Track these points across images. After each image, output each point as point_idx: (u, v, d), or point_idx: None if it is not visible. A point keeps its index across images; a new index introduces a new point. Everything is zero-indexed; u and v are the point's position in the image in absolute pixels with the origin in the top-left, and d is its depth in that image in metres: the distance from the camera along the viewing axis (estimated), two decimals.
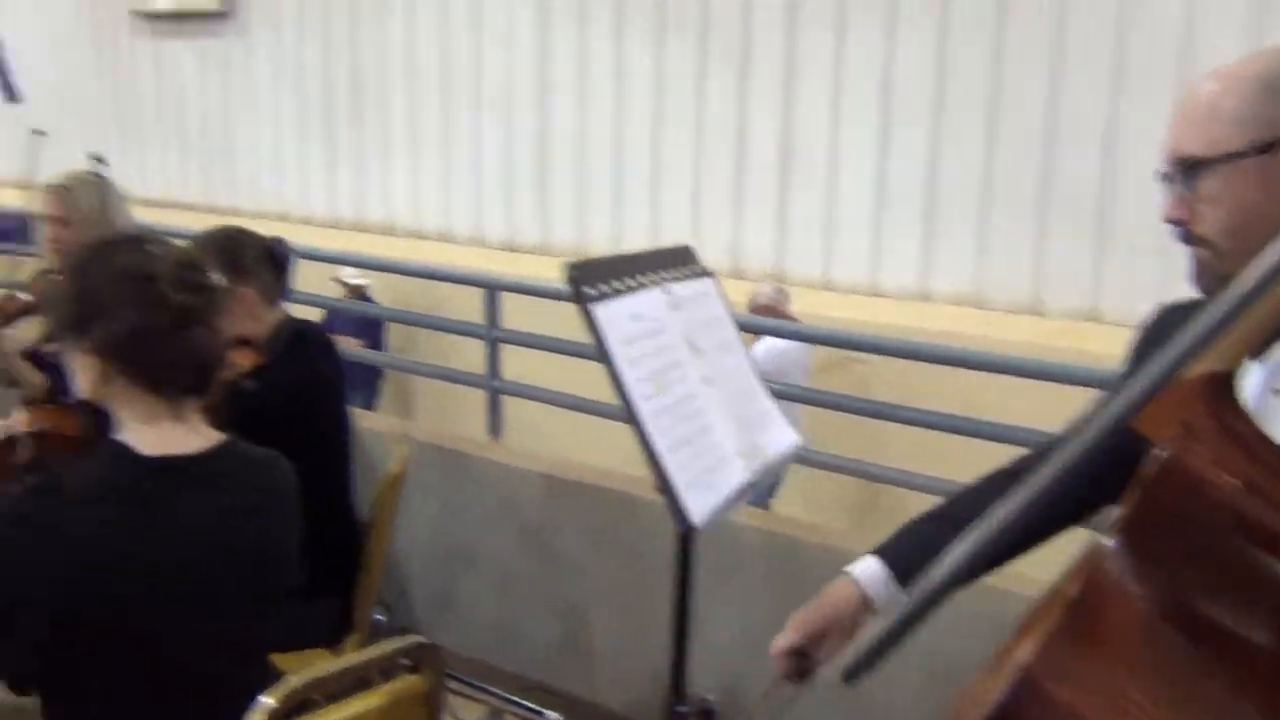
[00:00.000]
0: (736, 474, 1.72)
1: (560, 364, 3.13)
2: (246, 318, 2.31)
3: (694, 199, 6.46)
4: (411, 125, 7.70)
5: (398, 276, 5.38)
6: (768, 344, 4.17)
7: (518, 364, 3.53)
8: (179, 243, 1.69)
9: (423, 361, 4.93)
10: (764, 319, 4.16)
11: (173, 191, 8.48)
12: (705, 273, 1.93)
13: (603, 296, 1.63)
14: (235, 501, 1.59)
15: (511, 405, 3.42)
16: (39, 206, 3.02)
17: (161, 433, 1.54)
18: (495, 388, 3.31)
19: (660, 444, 1.59)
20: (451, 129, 7.52)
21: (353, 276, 5.88)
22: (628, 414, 1.58)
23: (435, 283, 4.86)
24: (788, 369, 4.26)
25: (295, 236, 2.99)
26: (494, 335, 3.27)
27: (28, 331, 3.03)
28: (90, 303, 1.54)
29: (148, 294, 1.52)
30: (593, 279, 1.63)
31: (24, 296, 2.94)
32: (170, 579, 1.50)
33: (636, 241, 6.42)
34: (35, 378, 2.92)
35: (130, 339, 1.52)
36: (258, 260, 2.36)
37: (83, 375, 1.56)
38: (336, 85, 7.83)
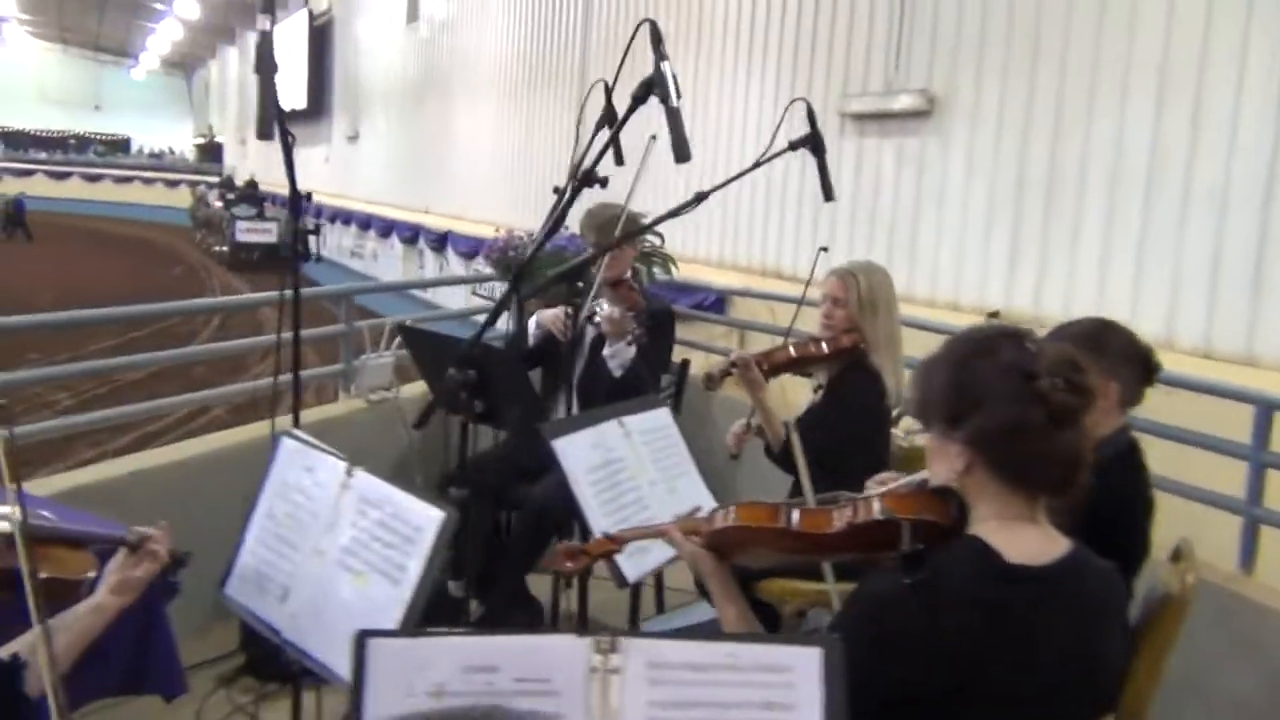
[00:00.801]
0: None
1: None
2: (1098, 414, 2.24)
3: None
4: (1108, 220, 7.44)
5: None
6: None
7: None
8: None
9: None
10: None
11: None
12: None
13: None
14: (1085, 616, 1.57)
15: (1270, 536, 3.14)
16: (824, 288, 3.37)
17: (1019, 535, 1.56)
18: (1255, 515, 3.07)
19: None
20: (1150, 225, 7.15)
21: None
22: None
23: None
24: None
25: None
26: (1262, 459, 3.03)
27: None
28: (968, 394, 1.58)
29: (1028, 391, 1.53)
30: None
31: (793, 353, 3.30)
32: (1014, 691, 1.52)
33: None
34: (779, 428, 3.28)
35: (1004, 435, 1.55)
36: (1124, 357, 2.29)
37: (944, 463, 1.61)
38: (1029, 179, 7.83)
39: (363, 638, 1.35)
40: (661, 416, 2.56)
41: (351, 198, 20.28)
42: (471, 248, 15.00)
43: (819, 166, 2.70)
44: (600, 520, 2.25)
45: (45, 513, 2.02)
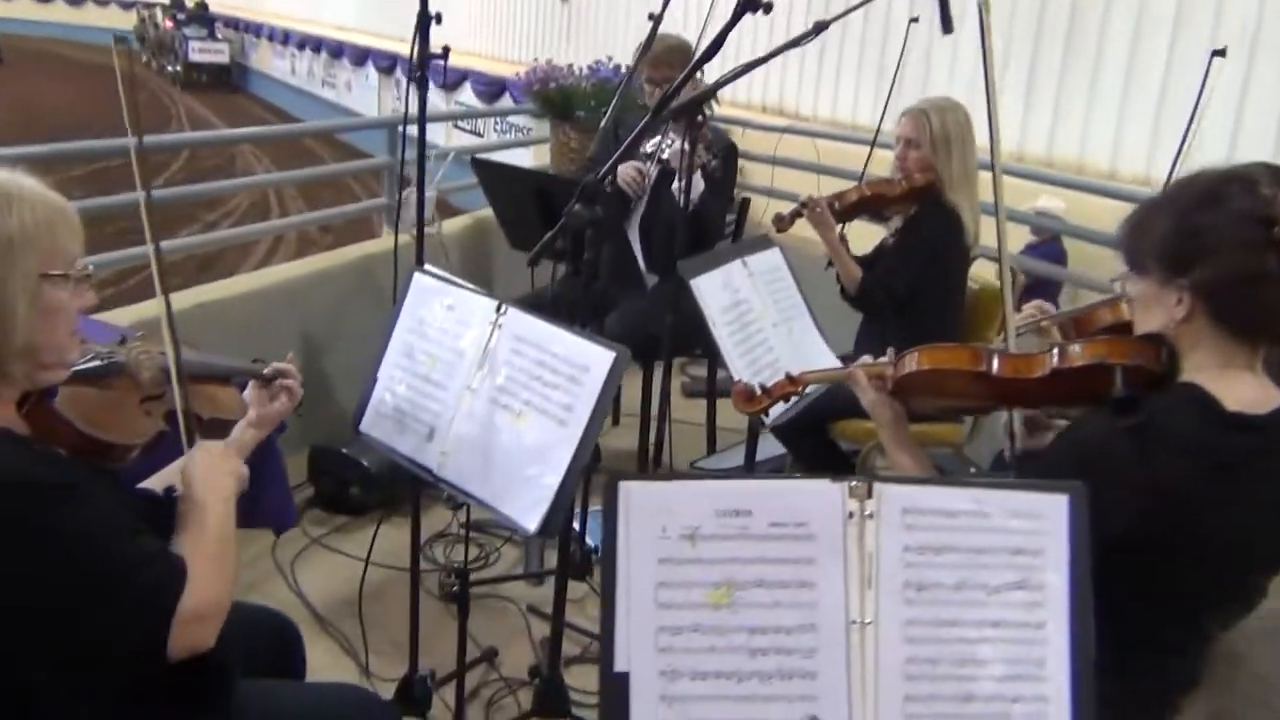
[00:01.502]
0: None
1: None
2: None
3: None
4: (1130, 66, 7.28)
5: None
6: None
7: None
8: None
9: None
10: None
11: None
12: None
13: None
14: None
15: None
16: (897, 129, 3.29)
17: (1237, 383, 1.53)
18: None
19: None
20: (1173, 73, 7.01)
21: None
22: None
23: None
24: None
25: None
26: None
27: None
28: (1198, 241, 1.52)
29: (1264, 239, 1.48)
30: None
31: (868, 192, 3.24)
32: (1226, 540, 1.53)
33: None
34: (853, 269, 3.24)
35: (1235, 283, 1.50)
36: None
37: (1160, 310, 1.58)
38: (1049, 19, 7.63)
39: (615, 481, 1.32)
40: (776, 256, 2.50)
41: (321, 23, 19.48)
42: (454, 79, 14.56)
43: None
44: (737, 362, 2.22)
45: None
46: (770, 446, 3.33)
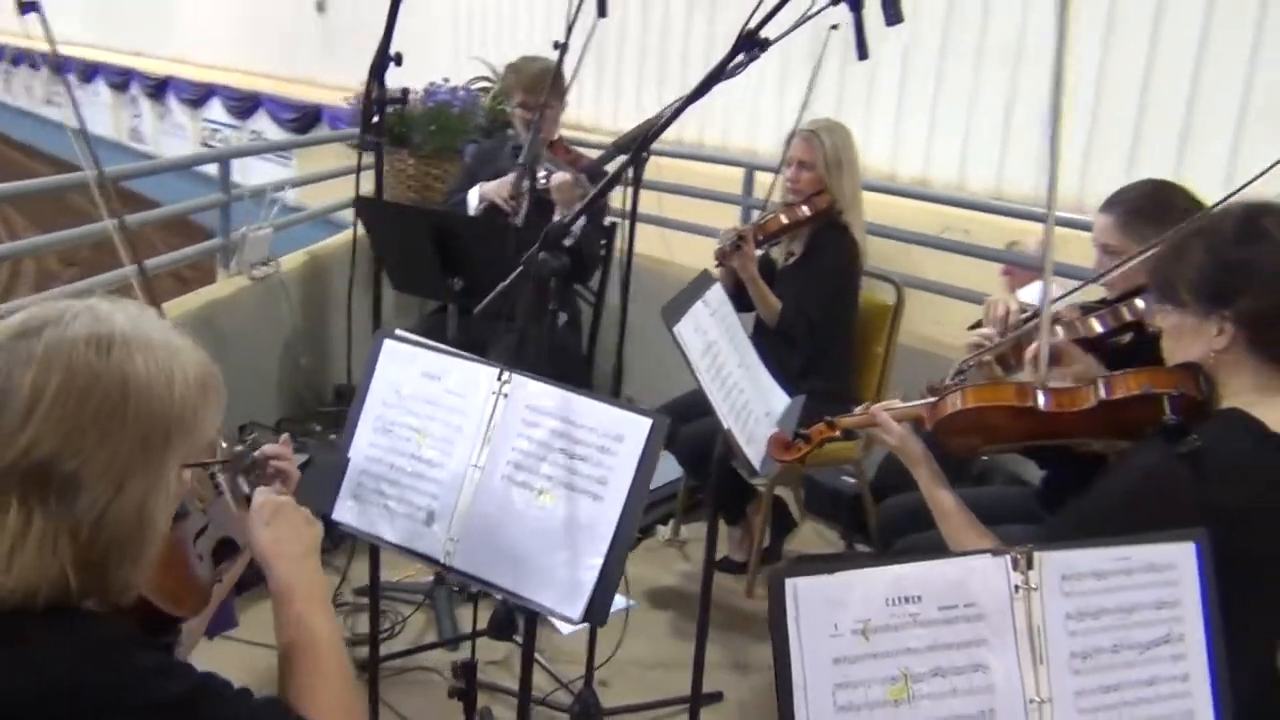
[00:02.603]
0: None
1: None
2: None
3: None
4: (903, 70, 7.61)
5: None
6: None
7: None
8: None
9: None
10: None
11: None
12: None
13: None
14: None
15: None
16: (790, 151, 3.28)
17: (1276, 408, 1.60)
18: None
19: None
20: (944, 78, 7.40)
21: None
22: None
23: None
24: None
25: None
26: None
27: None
28: (1239, 274, 1.60)
29: None
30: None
31: (784, 220, 3.22)
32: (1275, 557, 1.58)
33: None
34: (773, 301, 3.22)
35: (1275, 313, 1.59)
36: (1188, 214, 2.26)
37: (1198, 340, 1.64)
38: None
39: (779, 579, 1.20)
40: (721, 292, 2.42)
41: (38, 38, 17.80)
42: (198, 95, 13.71)
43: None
44: (723, 408, 2.12)
45: None
46: (663, 470, 3.26)
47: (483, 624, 2.45)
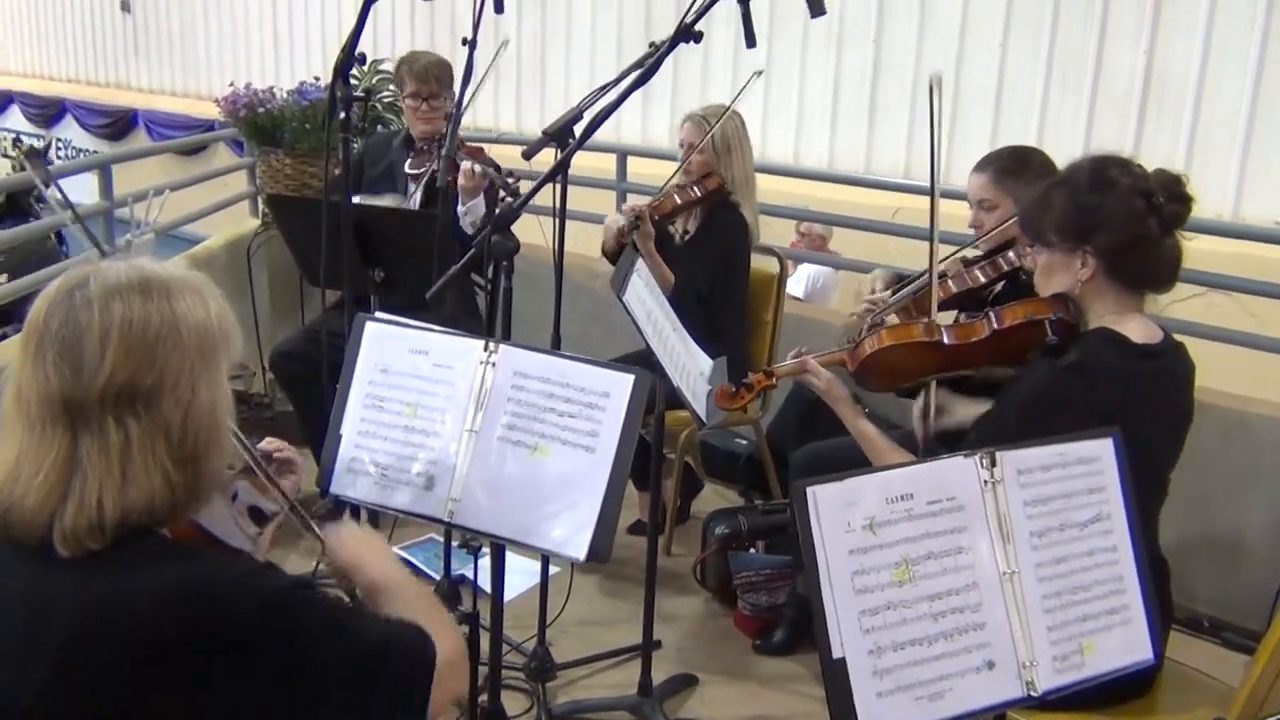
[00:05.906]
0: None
1: None
2: None
3: None
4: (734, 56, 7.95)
5: None
6: None
7: None
8: None
9: None
10: None
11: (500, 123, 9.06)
12: None
13: None
14: (1184, 381, 2.01)
15: None
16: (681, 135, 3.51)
17: (1134, 324, 1.96)
18: None
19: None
20: (776, 60, 7.78)
21: None
22: None
23: None
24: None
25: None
26: None
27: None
28: (1096, 214, 1.94)
29: (1144, 208, 1.92)
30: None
31: (678, 200, 3.44)
32: (1146, 443, 1.87)
33: None
34: (668, 274, 3.44)
35: (1128, 245, 1.93)
36: (1047, 173, 2.50)
37: (1066, 273, 1.98)
38: (656, 15, 8.17)
39: (801, 489, 1.43)
40: (643, 265, 2.62)
41: None
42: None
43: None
44: (672, 371, 2.33)
45: None
46: None
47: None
